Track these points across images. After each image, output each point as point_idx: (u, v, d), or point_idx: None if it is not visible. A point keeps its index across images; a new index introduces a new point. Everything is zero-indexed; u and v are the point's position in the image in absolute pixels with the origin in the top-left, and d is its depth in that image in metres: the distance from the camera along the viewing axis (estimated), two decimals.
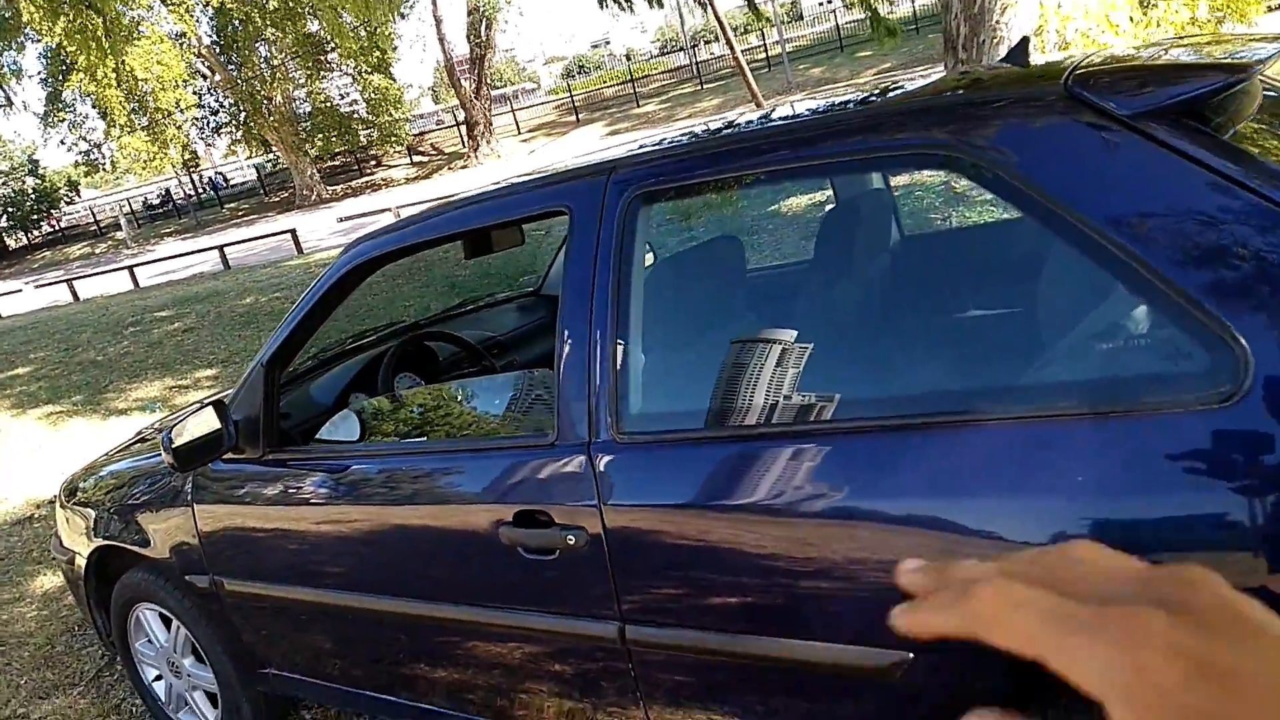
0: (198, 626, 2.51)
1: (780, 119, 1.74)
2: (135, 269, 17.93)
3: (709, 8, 15.62)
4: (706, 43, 47.21)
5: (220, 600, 2.41)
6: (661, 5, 17.29)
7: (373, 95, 29.55)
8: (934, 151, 1.42)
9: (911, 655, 1.39)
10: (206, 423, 2.18)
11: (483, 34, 27.79)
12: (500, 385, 2.47)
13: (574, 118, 31.29)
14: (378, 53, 27.12)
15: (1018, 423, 1.29)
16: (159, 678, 2.79)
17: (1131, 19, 5.23)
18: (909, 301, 1.78)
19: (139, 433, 3.30)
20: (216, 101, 31.04)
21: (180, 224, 33.68)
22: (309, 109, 29.69)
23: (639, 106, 29.53)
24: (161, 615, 2.65)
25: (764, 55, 29.56)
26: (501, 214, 1.97)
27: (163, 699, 2.79)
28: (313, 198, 28.54)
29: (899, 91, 1.78)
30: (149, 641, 2.73)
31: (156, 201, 39.64)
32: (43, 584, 4.16)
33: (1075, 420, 1.24)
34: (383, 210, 16.40)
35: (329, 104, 30.27)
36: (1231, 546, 1.13)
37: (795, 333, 1.65)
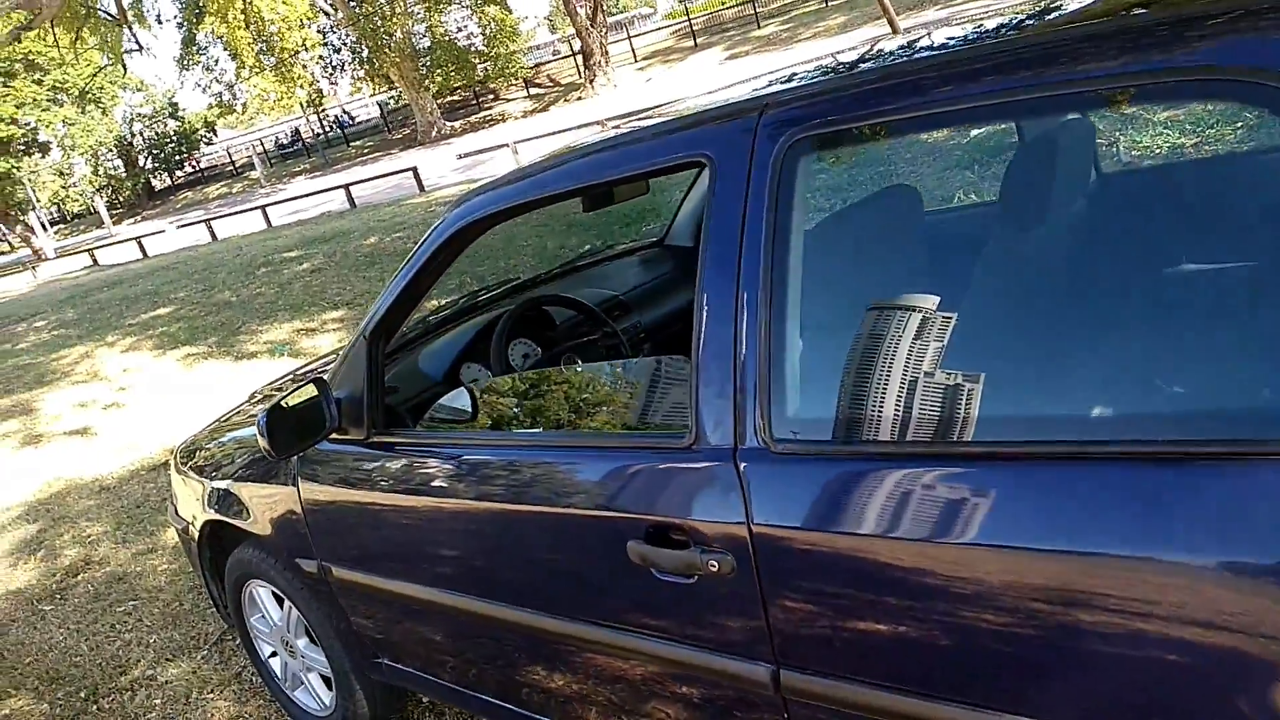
0: (309, 609, 2.37)
1: (1002, 34, 1.33)
2: (268, 208, 18.51)
3: None
4: None
5: (329, 585, 2.25)
6: None
7: (489, 27, 29.38)
8: (1221, 77, 1.03)
9: None
10: (307, 400, 2.01)
11: None
12: (628, 368, 2.19)
13: (691, 42, 30.32)
14: None
15: None
16: (274, 654, 2.68)
17: None
18: (1183, 274, 1.35)
19: (252, 394, 3.19)
20: (340, 39, 31.49)
21: (310, 162, 34.71)
22: (428, 44, 29.76)
23: (759, 28, 28.32)
24: (274, 594, 2.53)
25: None
26: (624, 167, 1.64)
27: (279, 676, 2.70)
28: (433, 134, 28.78)
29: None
30: (263, 618, 2.62)
31: (287, 141, 40.97)
32: (174, 536, 4.19)
33: None
34: (500, 145, 16.27)
35: (447, 38, 30.27)
36: None
37: (1016, 316, 1.28)
